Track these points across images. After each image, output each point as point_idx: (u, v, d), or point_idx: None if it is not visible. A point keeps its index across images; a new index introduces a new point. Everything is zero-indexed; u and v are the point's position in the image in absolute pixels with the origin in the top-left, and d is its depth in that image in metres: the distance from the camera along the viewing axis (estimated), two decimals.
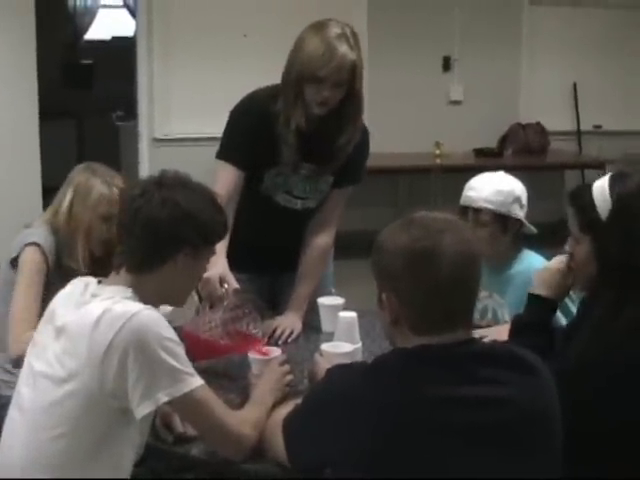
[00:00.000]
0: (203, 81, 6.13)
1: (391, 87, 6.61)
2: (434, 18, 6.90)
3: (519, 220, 2.73)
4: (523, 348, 1.65)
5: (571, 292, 2.32)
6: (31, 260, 2.54)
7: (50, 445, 1.78)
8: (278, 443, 1.73)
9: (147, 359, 1.74)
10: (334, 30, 2.50)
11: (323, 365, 1.98)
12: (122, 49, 7.61)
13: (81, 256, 2.60)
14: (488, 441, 1.51)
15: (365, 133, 2.74)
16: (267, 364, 2.14)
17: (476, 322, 2.35)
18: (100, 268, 2.24)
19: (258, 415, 1.89)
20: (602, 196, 1.97)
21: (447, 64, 7.04)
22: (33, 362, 1.87)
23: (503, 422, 1.52)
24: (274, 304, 2.88)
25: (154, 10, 6.05)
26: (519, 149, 7.07)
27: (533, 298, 2.19)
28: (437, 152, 6.66)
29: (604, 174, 2.08)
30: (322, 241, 2.79)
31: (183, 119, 6.18)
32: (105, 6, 9.63)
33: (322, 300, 2.71)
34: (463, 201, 2.75)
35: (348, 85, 2.54)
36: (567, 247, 2.12)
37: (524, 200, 2.75)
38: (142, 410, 1.75)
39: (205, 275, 2.12)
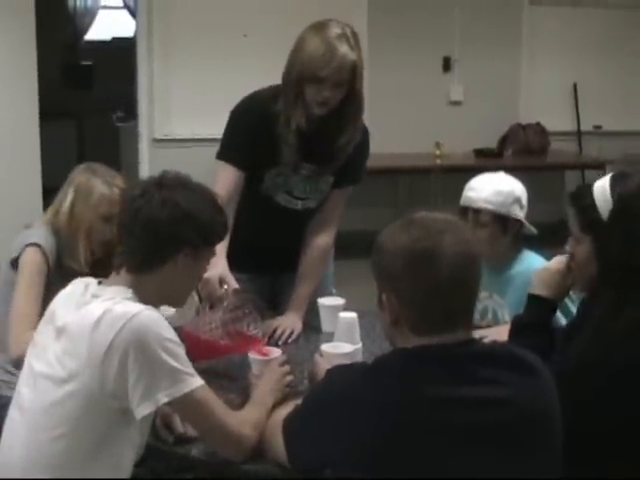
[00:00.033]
0: (203, 81, 6.13)
1: (391, 87, 6.61)
2: (434, 18, 6.90)
3: (519, 221, 2.73)
4: (523, 348, 1.65)
5: (571, 292, 2.32)
6: (32, 261, 2.53)
7: (50, 445, 1.78)
8: (278, 443, 1.73)
9: (147, 359, 1.74)
10: (334, 30, 2.50)
11: (323, 365, 1.98)
12: (122, 49, 7.61)
13: (82, 256, 2.60)
14: (488, 441, 1.51)
15: (365, 133, 2.74)
16: (267, 364, 2.14)
17: (476, 323, 2.34)
18: (100, 269, 2.24)
19: (258, 415, 1.89)
20: (603, 196, 1.97)
21: (447, 64, 7.04)
22: (33, 362, 1.87)
23: (503, 422, 1.53)
24: (274, 304, 2.88)
25: (154, 11, 6.05)
26: (519, 149, 7.06)
27: (533, 298, 2.19)
28: (437, 152, 6.66)
29: (604, 174, 2.08)
30: (322, 241, 2.79)
31: (183, 119, 6.18)
32: (105, 7, 9.63)
33: (322, 300, 2.71)
34: (463, 201, 2.75)
35: (348, 85, 2.54)
36: (568, 247, 2.13)
37: (524, 201, 2.75)
38: (142, 410, 1.75)
39: (205, 276, 2.12)
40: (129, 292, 1.85)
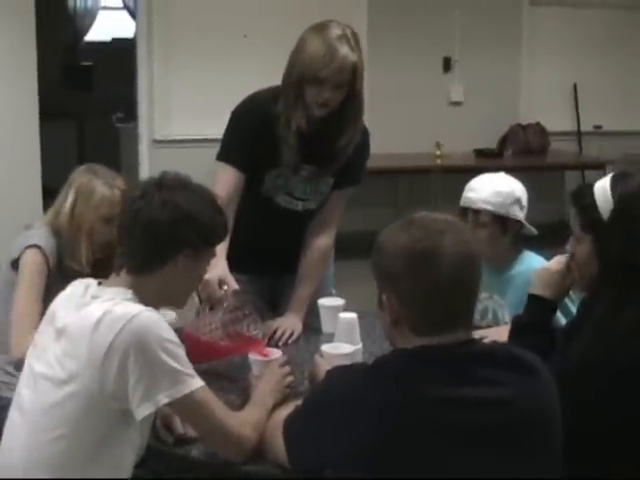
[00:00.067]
0: (203, 82, 6.13)
1: (391, 88, 6.61)
2: (434, 19, 6.90)
3: (519, 221, 2.73)
4: (523, 349, 1.65)
5: (571, 292, 2.32)
6: (32, 262, 2.54)
7: (50, 446, 1.78)
8: (278, 444, 1.73)
9: (147, 360, 1.74)
10: (335, 31, 2.50)
11: (323, 366, 1.98)
12: (122, 50, 7.61)
13: (84, 257, 2.60)
14: (488, 442, 1.51)
15: (365, 134, 2.74)
16: (267, 365, 2.15)
17: (476, 323, 2.35)
18: (101, 270, 2.24)
19: (258, 416, 1.89)
20: (604, 196, 1.98)
21: (447, 65, 7.04)
22: (33, 364, 1.87)
23: (503, 423, 1.52)
24: (275, 305, 2.88)
25: (154, 11, 6.05)
26: (519, 150, 7.07)
27: (533, 299, 2.19)
28: (437, 153, 6.67)
29: (604, 175, 2.08)
30: (322, 242, 2.78)
31: (183, 121, 6.18)
32: (105, 8, 9.63)
33: (322, 301, 2.71)
34: (463, 202, 2.75)
35: (349, 86, 2.54)
36: (568, 247, 2.13)
37: (524, 201, 2.74)
38: (142, 411, 1.75)
39: (204, 277, 2.12)
40: (129, 293, 1.85)
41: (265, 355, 2.22)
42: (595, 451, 1.77)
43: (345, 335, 2.38)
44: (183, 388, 1.76)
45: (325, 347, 2.24)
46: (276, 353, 2.25)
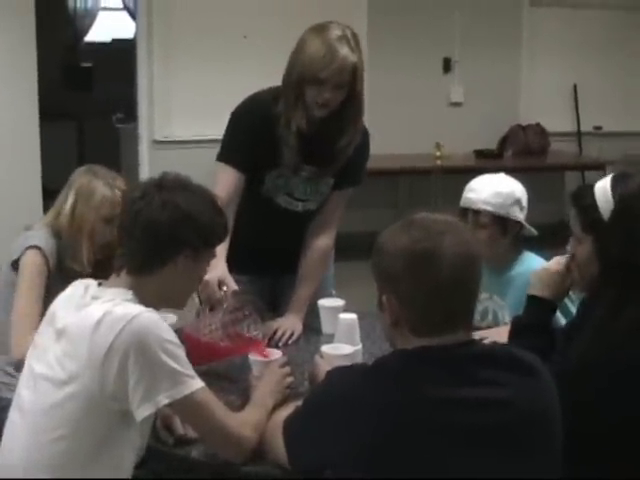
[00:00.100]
0: (203, 83, 6.13)
1: (391, 89, 6.61)
2: (434, 20, 6.90)
3: (519, 222, 2.73)
4: (523, 349, 1.65)
5: (571, 292, 2.32)
6: (32, 263, 2.54)
7: (50, 447, 1.78)
8: (278, 445, 1.73)
9: (147, 361, 1.74)
10: (335, 32, 2.50)
11: (323, 367, 1.98)
12: (122, 51, 7.60)
13: (85, 258, 2.60)
14: (488, 442, 1.51)
15: (365, 135, 2.74)
16: (267, 366, 2.15)
17: (476, 324, 2.34)
18: (101, 270, 2.24)
19: (258, 417, 1.89)
20: (604, 197, 1.98)
21: (447, 66, 7.04)
22: (34, 364, 1.87)
23: (503, 423, 1.52)
24: (275, 306, 2.88)
25: (154, 12, 6.05)
26: (519, 150, 7.07)
27: (532, 299, 2.19)
28: (437, 153, 6.66)
29: (604, 175, 2.08)
30: (322, 243, 2.78)
31: (183, 121, 6.17)
32: (105, 8, 9.63)
33: (322, 302, 2.71)
34: (463, 203, 2.75)
35: (349, 87, 2.54)
36: (569, 247, 2.13)
37: (524, 202, 2.74)
38: (142, 412, 1.75)
39: (204, 278, 2.12)
40: (129, 294, 1.85)
41: (265, 356, 2.23)
42: (595, 451, 1.78)
43: (345, 336, 2.38)
44: (183, 389, 1.76)
45: (325, 348, 2.25)
46: (276, 354, 2.25)
